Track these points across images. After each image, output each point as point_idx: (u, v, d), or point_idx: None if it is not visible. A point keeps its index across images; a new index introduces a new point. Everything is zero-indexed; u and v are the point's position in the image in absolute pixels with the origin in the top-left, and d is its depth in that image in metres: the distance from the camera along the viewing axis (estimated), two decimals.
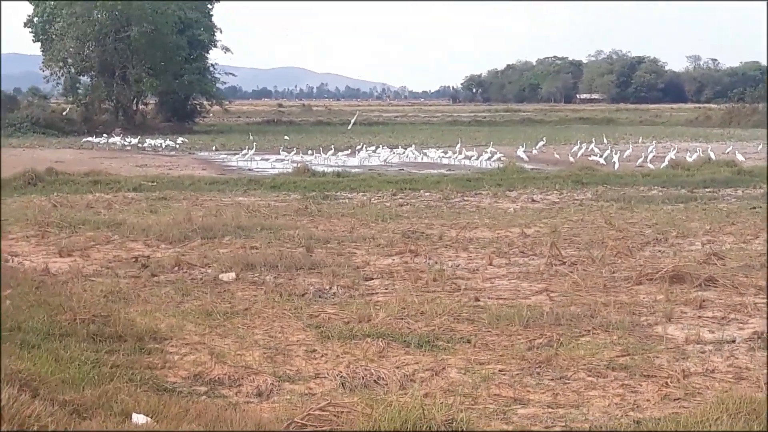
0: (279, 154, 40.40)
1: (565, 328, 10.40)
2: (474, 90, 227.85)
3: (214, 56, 78.82)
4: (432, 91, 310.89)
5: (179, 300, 11.97)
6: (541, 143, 46.94)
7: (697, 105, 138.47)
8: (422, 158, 41.55)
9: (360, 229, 18.55)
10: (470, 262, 14.97)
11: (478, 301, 11.91)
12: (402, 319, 10.77)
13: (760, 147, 47.20)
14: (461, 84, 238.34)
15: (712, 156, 37.09)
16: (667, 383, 8.48)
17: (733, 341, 10.00)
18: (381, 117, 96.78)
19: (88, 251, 15.78)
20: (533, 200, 24.53)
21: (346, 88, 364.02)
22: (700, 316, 11.12)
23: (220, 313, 11.12)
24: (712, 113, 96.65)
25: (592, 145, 44.60)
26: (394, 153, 42.27)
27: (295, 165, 33.90)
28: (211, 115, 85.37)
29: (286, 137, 54.11)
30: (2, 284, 11.56)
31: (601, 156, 39.33)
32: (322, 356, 9.43)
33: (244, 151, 41.72)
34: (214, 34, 79.20)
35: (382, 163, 39.40)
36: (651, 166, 34.86)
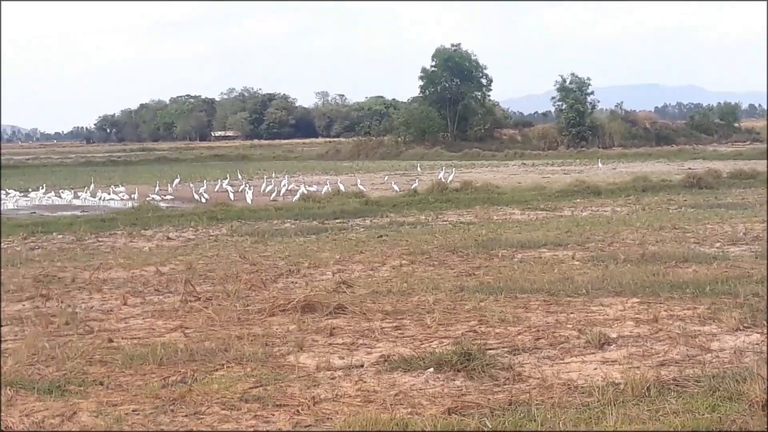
0: None
1: (200, 363, 10.44)
2: (108, 130, 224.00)
3: None
4: (65, 132, 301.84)
5: None
6: (177, 181, 46.90)
7: (327, 139, 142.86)
8: (55, 201, 40.41)
9: None
10: (104, 303, 14.73)
11: (112, 342, 11.73)
12: (32, 365, 10.45)
13: (386, 178, 49.32)
14: (95, 124, 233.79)
15: (342, 188, 38.36)
16: (298, 411, 8.69)
17: (362, 366, 10.36)
18: (11, 160, 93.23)
19: None
20: (169, 238, 24.43)
21: None
22: (330, 344, 11.44)
23: None
24: (341, 147, 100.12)
25: (227, 181, 45.00)
26: (25, 196, 40.86)
27: None
28: None
29: None
30: None
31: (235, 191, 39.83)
32: None
33: None
34: None
35: (13, 207, 37.96)
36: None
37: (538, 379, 9.54)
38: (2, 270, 18.54)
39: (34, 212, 35.17)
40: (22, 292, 15.72)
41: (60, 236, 25.44)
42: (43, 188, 43.12)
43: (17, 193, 41.90)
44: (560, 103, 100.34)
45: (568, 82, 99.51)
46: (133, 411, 8.82)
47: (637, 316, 12.51)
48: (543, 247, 19.87)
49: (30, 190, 43.88)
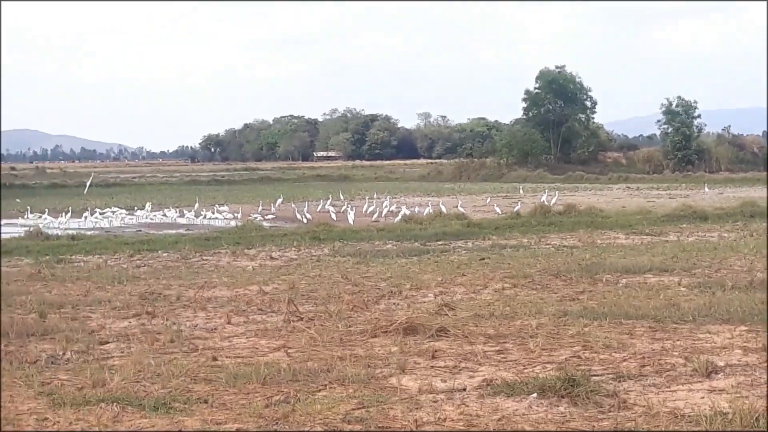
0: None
1: (302, 383, 10.46)
2: (212, 149, 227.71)
3: None
4: (170, 151, 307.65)
5: None
6: (279, 201, 47.36)
7: (429, 161, 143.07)
8: (160, 219, 41.12)
9: (96, 293, 18.12)
10: (208, 322, 14.88)
11: (216, 360, 11.84)
12: (138, 382, 10.58)
13: (488, 200, 49.15)
14: (199, 143, 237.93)
15: (444, 210, 38.32)
16: None
17: (464, 389, 10.29)
18: (118, 178, 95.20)
19: None
20: (271, 257, 24.65)
21: (81, 150, 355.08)
22: (432, 366, 11.39)
23: None
24: (443, 168, 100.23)
25: (329, 202, 45.25)
26: (131, 214, 41.70)
27: (27, 229, 32.78)
28: None
29: (17, 200, 52.34)
30: None
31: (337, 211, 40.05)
32: (54, 424, 9.13)
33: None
34: None
35: (120, 225, 38.75)
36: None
37: (644, 407, 9.37)
38: (108, 287, 18.92)
39: (140, 230, 35.85)
40: (129, 310, 15.97)
41: (165, 254, 25.84)
42: (149, 207, 43.90)
43: (123, 211, 42.70)
44: (666, 126, 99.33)
45: (674, 105, 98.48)
46: (237, 430, 8.88)
47: (745, 344, 12.25)
48: (648, 272, 19.57)
49: (136, 208, 44.63)
